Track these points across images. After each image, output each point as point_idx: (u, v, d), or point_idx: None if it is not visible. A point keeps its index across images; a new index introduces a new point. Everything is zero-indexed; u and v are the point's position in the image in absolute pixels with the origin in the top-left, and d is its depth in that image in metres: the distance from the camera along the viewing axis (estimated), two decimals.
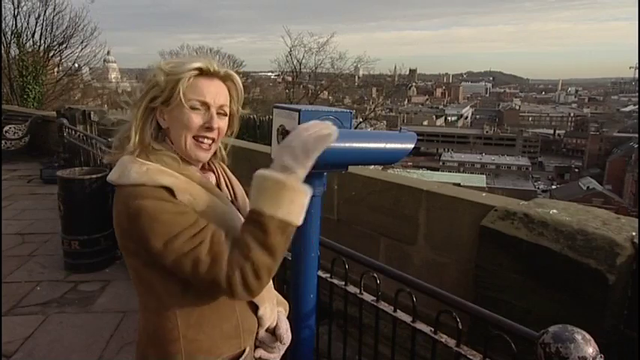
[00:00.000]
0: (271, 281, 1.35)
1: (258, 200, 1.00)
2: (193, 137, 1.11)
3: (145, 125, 1.11)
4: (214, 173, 1.25)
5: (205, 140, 1.12)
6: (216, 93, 1.11)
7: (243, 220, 1.16)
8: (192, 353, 1.10)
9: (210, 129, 1.11)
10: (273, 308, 1.28)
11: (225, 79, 1.15)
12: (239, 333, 1.16)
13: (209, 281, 0.98)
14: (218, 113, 1.13)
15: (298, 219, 1.02)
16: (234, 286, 0.97)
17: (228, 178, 1.28)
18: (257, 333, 1.24)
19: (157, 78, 1.08)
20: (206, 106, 1.10)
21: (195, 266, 0.97)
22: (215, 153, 1.23)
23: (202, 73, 1.10)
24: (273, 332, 1.28)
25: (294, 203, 1.00)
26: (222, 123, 1.14)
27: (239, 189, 1.28)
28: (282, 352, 1.30)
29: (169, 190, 1.02)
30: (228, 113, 1.16)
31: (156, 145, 1.11)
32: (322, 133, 1.05)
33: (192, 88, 1.08)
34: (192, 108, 1.09)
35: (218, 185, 1.24)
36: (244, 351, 1.17)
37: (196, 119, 1.10)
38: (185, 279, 1.02)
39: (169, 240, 0.98)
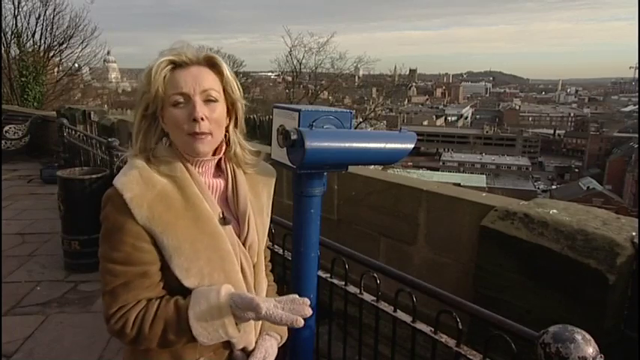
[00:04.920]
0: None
1: (199, 322, 1.01)
2: (187, 134, 1.05)
3: (149, 132, 1.09)
4: (224, 178, 1.17)
5: (197, 135, 1.05)
6: (194, 81, 1.05)
7: (225, 236, 1.10)
8: (139, 352, 1.11)
9: (195, 120, 1.03)
10: (246, 334, 1.14)
11: (208, 63, 1.08)
12: (196, 345, 1.08)
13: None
14: (206, 100, 1.06)
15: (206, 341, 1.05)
16: (109, 329, 1.05)
17: (236, 185, 1.17)
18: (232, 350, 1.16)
19: (143, 87, 1.06)
20: (187, 97, 1.04)
21: (102, 284, 1.06)
22: (229, 152, 1.16)
23: (176, 65, 1.06)
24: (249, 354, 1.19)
25: (220, 337, 1.04)
26: (210, 110, 1.06)
27: (243, 197, 1.17)
28: None
29: (128, 204, 1.01)
30: (220, 98, 1.08)
31: (158, 150, 1.09)
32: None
33: (170, 84, 1.04)
34: (175, 104, 1.05)
35: (225, 193, 1.16)
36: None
37: (180, 114, 1.04)
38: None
39: (102, 254, 1.05)
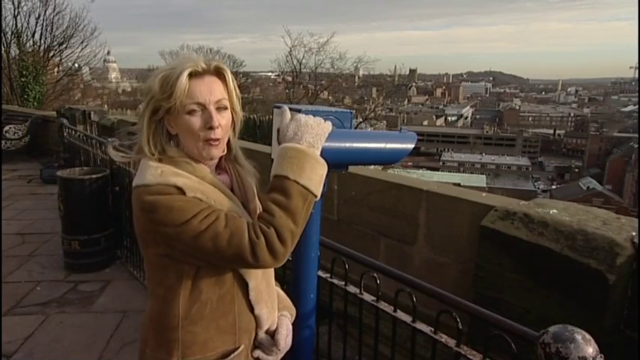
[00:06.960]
0: (275, 286, 1.36)
1: (282, 167, 1.09)
2: (203, 140, 1.14)
3: (156, 135, 1.15)
4: (228, 174, 1.26)
5: (212, 141, 1.14)
6: (209, 91, 1.13)
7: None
8: (188, 343, 1.14)
9: (211, 128, 1.12)
10: (272, 311, 1.29)
11: (218, 73, 1.16)
12: (235, 330, 1.18)
13: (232, 254, 1.03)
14: (218, 108, 1.14)
15: (317, 189, 1.11)
16: (259, 251, 1.02)
17: (241, 180, 1.28)
18: (256, 333, 1.26)
19: (152, 92, 1.12)
20: (202, 106, 1.12)
21: (214, 240, 1.03)
22: (230, 154, 1.26)
23: (192, 75, 1.11)
24: (273, 335, 1.29)
25: (314, 172, 1.10)
26: (223, 118, 1.15)
27: (251, 191, 1.29)
28: (280, 356, 1.31)
29: (181, 190, 1.07)
30: (228, 106, 1.17)
31: (170, 152, 1.14)
32: (324, 124, 1.20)
33: (186, 94, 1.10)
34: (191, 112, 1.11)
35: (232, 186, 1.25)
36: (238, 348, 1.19)
37: (196, 122, 1.12)
38: (199, 267, 1.10)
39: (186, 222, 1.03)
